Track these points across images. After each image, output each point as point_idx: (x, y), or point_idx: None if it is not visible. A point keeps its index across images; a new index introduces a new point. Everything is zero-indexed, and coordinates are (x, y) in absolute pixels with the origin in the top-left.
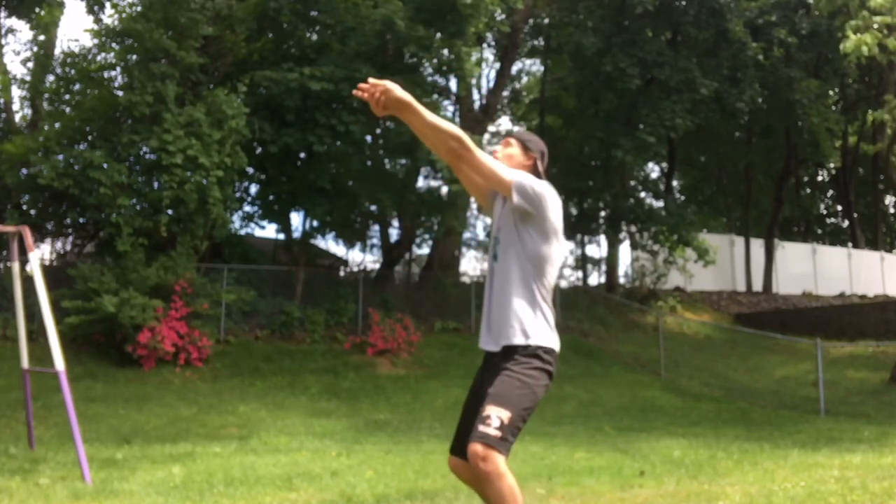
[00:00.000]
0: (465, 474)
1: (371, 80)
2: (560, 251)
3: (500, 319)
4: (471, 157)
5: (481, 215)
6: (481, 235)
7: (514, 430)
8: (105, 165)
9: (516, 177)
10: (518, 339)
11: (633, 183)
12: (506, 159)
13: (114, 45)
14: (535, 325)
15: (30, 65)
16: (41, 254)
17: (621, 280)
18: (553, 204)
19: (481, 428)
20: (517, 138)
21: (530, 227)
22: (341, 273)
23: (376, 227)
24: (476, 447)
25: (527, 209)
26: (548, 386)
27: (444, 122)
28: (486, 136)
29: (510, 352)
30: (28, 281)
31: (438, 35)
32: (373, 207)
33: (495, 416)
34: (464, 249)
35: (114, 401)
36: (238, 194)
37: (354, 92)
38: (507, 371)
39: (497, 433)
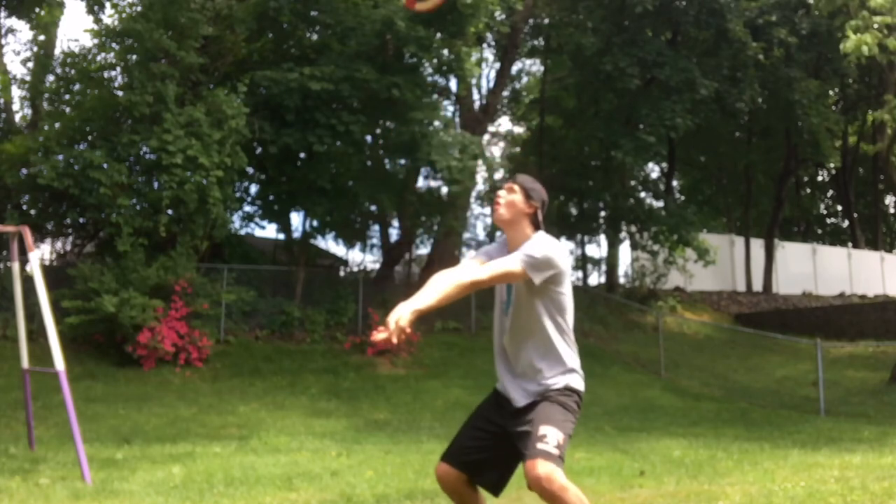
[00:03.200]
0: (452, 485)
1: (385, 331)
2: (570, 294)
3: (533, 371)
4: (484, 284)
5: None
6: (481, 235)
7: (565, 451)
8: (105, 165)
9: (523, 261)
10: (556, 386)
11: (633, 183)
12: (508, 206)
13: (114, 45)
14: (570, 376)
15: (30, 65)
16: (41, 254)
17: (621, 280)
18: (560, 255)
19: (540, 446)
20: (521, 186)
21: (548, 282)
22: (341, 273)
23: (376, 227)
24: (538, 468)
25: (547, 277)
26: (576, 422)
27: (448, 285)
28: (486, 137)
29: (550, 391)
30: (28, 281)
31: (438, 35)
32: (373, 207)
33: (552, 435)
34: (464, 249)
35: (114, 401)
36: (238, 194)
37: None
38: (552, 399)
39: (556, 451)
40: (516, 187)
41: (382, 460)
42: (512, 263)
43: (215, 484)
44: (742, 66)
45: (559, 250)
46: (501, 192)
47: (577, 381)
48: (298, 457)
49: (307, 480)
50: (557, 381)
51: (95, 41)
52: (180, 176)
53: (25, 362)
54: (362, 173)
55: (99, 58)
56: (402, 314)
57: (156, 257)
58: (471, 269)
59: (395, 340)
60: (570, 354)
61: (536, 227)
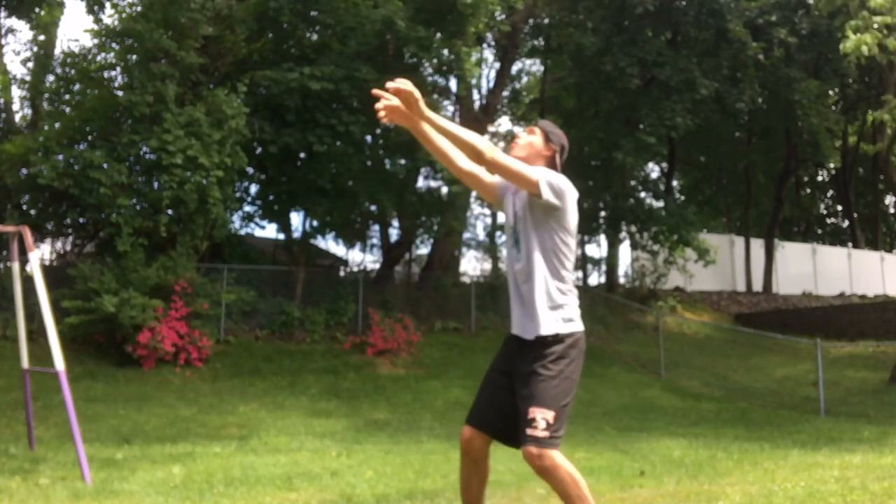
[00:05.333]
0: (476, 448)
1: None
2: (575, 242)
3: (530, 310)
4: (495, 162)
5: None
6: (481, 235)
7: (560, 424)
8: (105, 165)
9: (542, 174)
10: (546, 330)
11: (633, 183)
12: (527, 145)
13: (114, 45)
14: (561, 314)
15: (30, 65)
16: (41, 254)
17: (621, 280)
18: (572, 198)
19: (529, 431)
20: (541, 128)
21: (552, 220)
22: (341, 273)
23: (376, 227)
24: (530, 449)
25: (554, 203)
26: (581, 364)
27: (465, 133)
28: (486, 137)
29: (541, 345)
30: (28, 281)
31: (438, 35)
32: (373, 207)
33: (540, 417)
34: (464, 249)
35: (114, 401)
36: (238, 194)
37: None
38: (541, 371)
39: (545, 433)
40: (537, 129)
41: (382, 460)
42: (531, 170)
43: (215, 484)
44: (742, 66)
45: (573, 196)
46: (521, 133)
47: (570, 324)
48: (298, 457)
49: (307, 480)
50: (549, 325)
51: (95, 41)
52: (180, 176)
53: (25, 362)
54: (362, 173)
55: (99, 58)
56: (409, 87)
57: (156, 257)
58: (496, 147)
59: (399, 92)
60: (565, 296)
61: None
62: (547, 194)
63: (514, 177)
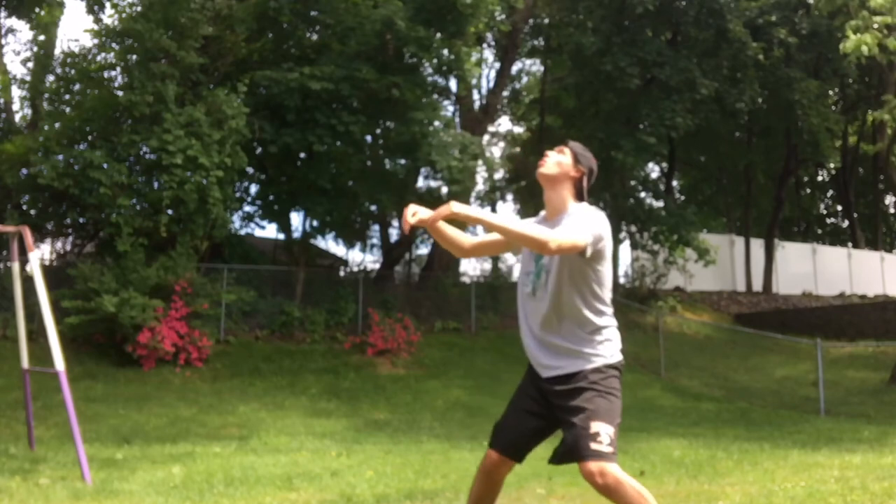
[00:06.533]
0: (501, 473)
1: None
2: (609, 268)
3: (568, 345)
4: (553, 251)
5: None
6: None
7: (616, 445)
8: (105, 165)
9: (588, 236)
10: (596, 363)
11: (633, 183)
12: (556, 164)
13: (114, 45)
14: (609, 346)
15: (30, 65)
16: (41, 254)
17: (621, 280)
18: (606, 232)
19: (594, 446)
20: (572, 149)
21: (592, 258)
22: (341, 273)
23: (376, 227)
24: (591, 466)
25: (595, 253)
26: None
27: (525, 228)
28: (486, 137)
29: (590, 372)
30: (28, 281)
31: (438, 35)
32: (373, 207)
33: (604, 432)
34: None
35: (114, 401)
36: (238, 194)
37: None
38: (598, 387)
39: (609, 449)
40: (566, 150)
41: (382, 460)
42: (581, 237)
43: (215, 484)
44: (742, 66)
45: (606, 223)
46: (550, 152)
47: (615, 355)
48: (298, 457)
49: (307, 480)
50: (593, 358)
51: (95, 41)
52: (180, 176)
53: (25, 362)
54: (362, 173)
55: (99, 58)
56: (452, 207)
57: (156, 257)
58: (542, 227)
59: (411, 221)
60: (605, 327)
61: (578, 196)
62: (592, 250)
63: (571, 251)
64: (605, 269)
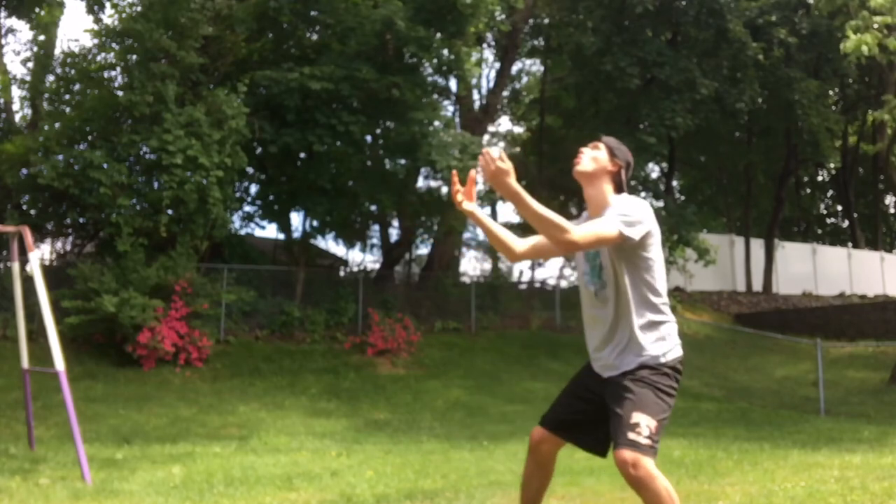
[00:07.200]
0: (545, 451)
1: (503, 157)
2: (661, 260)
3: (628, 343)
4: (577, 245)
5: None
6: (481, 235)
7: (659, 438)
8: (105, 165)
9: (615, 221)
10: (649, 361)
11: (633, 183)
12: (592, 160)
13: (114, 45)
14: (665, 344)
15: (30, 65)
16: (41, 254)
17: None
18: (650, 216)
19: (631, 435)
20: (606, 144)
21: (638, 248)
22: (341, 273)
23: (376, 227)
24: (625, 454)
25: (638, 240)
26: (675, 394)
27: (549, 213)
28: (486, 137)
29: (642, 368)
30: (28, 281)
31: (438, 35)
32: (373, 207)
33: (644, 424)
34: (464, 249)
35: (114, 401)
36: (238, 194)
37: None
38: (647, 380)
39: (648, 441)
40: (601, 145)
41: (382, 460)
42: (606, 226)
43: (215, 484)
44: (742, 66)
45: (649, 211)
46: (584, 149)
47: (672, 351)
48: (298, 457)
49: (307, 480)
50: (650, 354)
51: (95, 41)
52: (180, 176)
53: (25, 362)
54: (362, 173)
55: (99, 58)
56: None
57: (156, 257)
58: (569, 223)
59: (489, 163)
60: (662, 322)
61: (618, 189)
62: (637, 233)
63: (598, 244)
64: (656, 257)
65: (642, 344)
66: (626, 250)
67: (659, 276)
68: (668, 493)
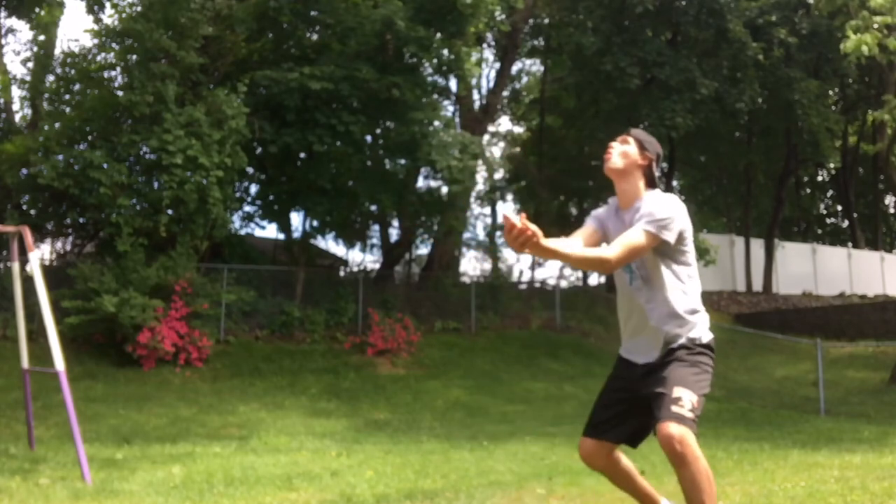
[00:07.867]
0: (598, 460)
1: (523, 223)
2: (693, 252)
3: (664, 330)
4: (615, 264)
5: (481, 216)
6: (481, 235)
7: (700, 412)
8: (105, 165)
9: (651, 230)
10: (686, 342)
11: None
12: (623, 154)
13: (114, 45)
14: (698, 329)
15: (30, 65)
16: (41, 254)
17: None
18: (682, 211)
19: (675, 408)
20: (635, 137)
21: (676, 243)
22: (341, 273)
23: (376, 227)
24: (671, 429)
25: (673, 238)
26: (713, 374)
27: (585, 252)
28: (486, 137)
29: (679, 349)
30: (28, 281)
31: (438, 35)
32: (373, 207)
33: (687, 398)
34: (464, 249)
35: (114, 401)
36: (238, 194)
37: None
38: (684, 359)
39: (690, 414)
40: (630, 139)
41: (382, 460)
42: (637, 237)
43: (215, 484)
44: (742, 66)
45: (679, 206)
46: (614, 144)
47: (707, 334)
48: (298, 457)
49: (307, 480)
50: (687, 337)
51: (95, 41)
52: (180, 176)
53: (25, 362)
54: (362, 173)
55: (99, 58)
56: (538, 233)
57: (156, 257)
58: (603, 250)
59: (514, 229)
60: (696, 310)
61: (650, 183)
62: (671, 234)
63: (634, 257)
64: (689, 249)
65: (677, 331)
66: (666, 245)
67: (692, 267)
68: (708, 477)
